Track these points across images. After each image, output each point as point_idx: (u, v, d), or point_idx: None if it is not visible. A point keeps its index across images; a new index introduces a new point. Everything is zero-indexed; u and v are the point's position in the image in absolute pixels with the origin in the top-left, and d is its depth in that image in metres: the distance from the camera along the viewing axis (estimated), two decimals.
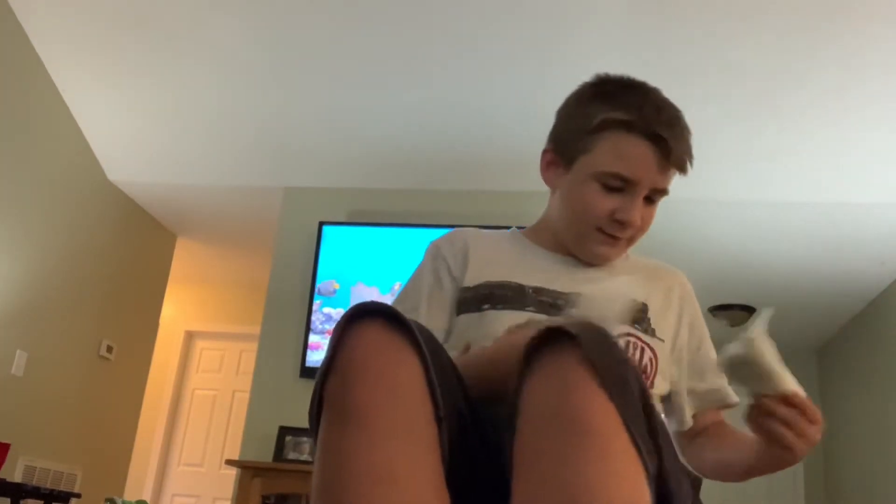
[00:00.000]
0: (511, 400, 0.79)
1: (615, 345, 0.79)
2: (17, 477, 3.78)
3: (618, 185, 1.13)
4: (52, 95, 3.96)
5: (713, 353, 1.27)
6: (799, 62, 3.31)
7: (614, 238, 1.17)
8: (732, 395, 1.26)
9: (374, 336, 0.82)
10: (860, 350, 5.42)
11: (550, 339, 0.78)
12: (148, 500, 5.47)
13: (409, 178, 4.26)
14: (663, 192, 1.17)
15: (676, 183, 1.24)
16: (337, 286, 4.07)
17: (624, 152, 1.13)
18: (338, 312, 4.02)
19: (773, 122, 3.59)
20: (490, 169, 4.05)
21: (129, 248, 4.75)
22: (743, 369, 0.98)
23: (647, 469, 0.73)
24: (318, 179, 4.36)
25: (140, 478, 5.70)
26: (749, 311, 5.29)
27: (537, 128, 1.44)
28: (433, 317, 1.19)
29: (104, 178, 4.46)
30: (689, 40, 3.26)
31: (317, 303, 4.06)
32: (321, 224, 4.18)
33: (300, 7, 3.41)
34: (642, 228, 1.18)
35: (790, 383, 0.99)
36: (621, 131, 1.13)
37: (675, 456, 0.86)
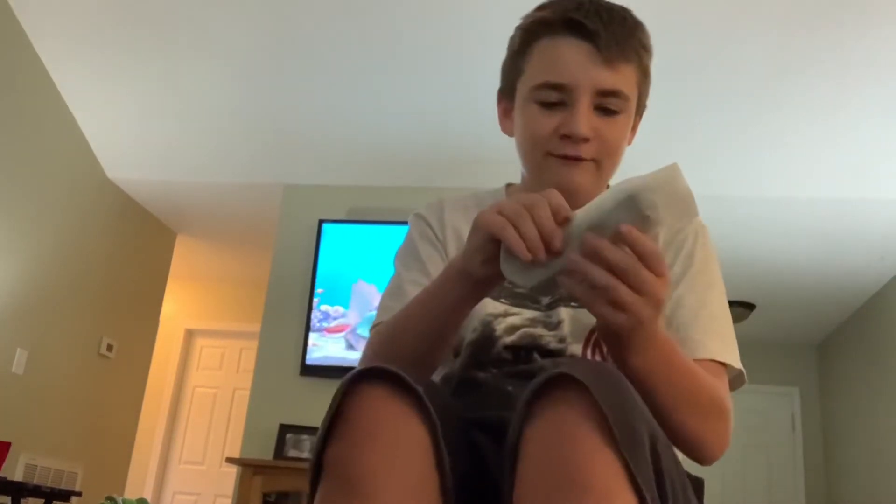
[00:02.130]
0: (510, 443, 0.75)
1: (626, 389, 0.74)
2: (17, 475, 3.78)
3: (555, 97, 0.99)
4: (51, 93, 3.96)
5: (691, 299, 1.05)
6: (798, 58, 3.30)
7: (572, 159, 1.00)
8: (700, 349, 1.00)
9: (379, 401, 0.76)
10: (861, 345, 5.41)
11: (554, 384, 0.72)
12: (149, 499, 5.47)
13: (409, 176, 4.25)
14: (615, 94, 0.99)
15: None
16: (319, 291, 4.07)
17: (550, 57, 1.00)
18: (335, 310, 4.02)
19: (773, 118, 3.58)
20: (489, 166, 4.04)
21: (128, 245, 4.75)
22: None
23: None
24: (317, 177, 4.36)
25: (141, 476, 5.71)
26: (749, 307, 5.29)
27: None
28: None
29: (103, 175, 4.45)
30: (689, 37, 3.26)
31: (316, 300, 4.06)
32: (321, 221, 4.18)
33: (300, 4, 3.41)
34: (605, 145, 1.00)
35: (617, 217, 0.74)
36: (544, 38, 1.02)
37: (685, 488, 0.81)
